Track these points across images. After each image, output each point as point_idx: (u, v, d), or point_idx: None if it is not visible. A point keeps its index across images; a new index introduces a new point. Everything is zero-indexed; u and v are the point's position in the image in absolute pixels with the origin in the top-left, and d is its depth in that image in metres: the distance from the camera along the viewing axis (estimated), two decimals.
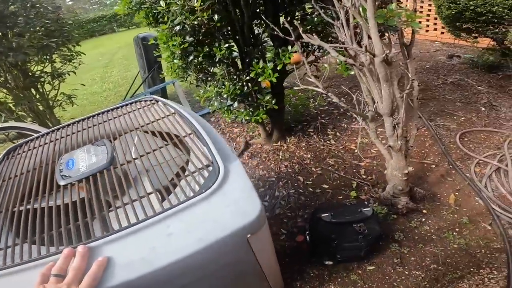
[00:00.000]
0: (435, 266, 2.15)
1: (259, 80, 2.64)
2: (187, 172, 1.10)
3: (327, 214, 2.07)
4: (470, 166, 3.01)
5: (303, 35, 1.96)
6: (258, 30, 3.32)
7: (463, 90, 4.48)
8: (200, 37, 2.49)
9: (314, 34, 1.97)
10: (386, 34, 2.30)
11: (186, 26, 2.31)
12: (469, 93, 4.37)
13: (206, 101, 3.28)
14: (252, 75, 2.62)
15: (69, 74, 4.53)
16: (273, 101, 2.94)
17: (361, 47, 1.83)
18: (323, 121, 4.19)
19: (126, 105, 1.84)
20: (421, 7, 6.37)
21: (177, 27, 2.33)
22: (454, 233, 2.38)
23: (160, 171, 1.15)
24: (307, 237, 2.16)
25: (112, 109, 1.81)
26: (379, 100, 2.01)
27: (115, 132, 1.50)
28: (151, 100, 1.81)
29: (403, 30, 2.16)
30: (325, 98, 4.84)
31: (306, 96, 4.89)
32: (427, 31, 6.54)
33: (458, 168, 3.00)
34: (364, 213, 2.07)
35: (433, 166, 3.12)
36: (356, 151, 3.51)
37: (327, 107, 4.53)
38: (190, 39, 2.46)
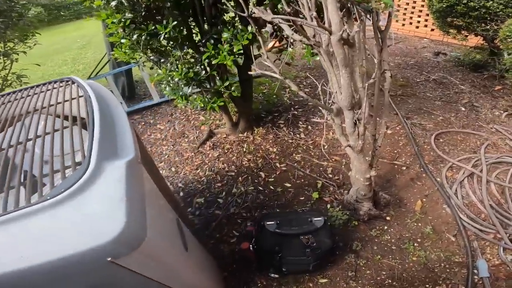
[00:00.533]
0: (390, 281, 1.98)
1: (212, 63, 2.38)
2: (48, 170, 0.85)
3: (272, 223, 1.86)
4: (442, 170, 2.85)
5: (254, 9, 1.70)
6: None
7: (445, 88, 4.32)
8: (142, 13, 2.21)
9: (268, 9, 1.71)
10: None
11: (123, 1, 2.03)
12: (450, 92, 4.21)
13: (157, 85, 2.99)
14: (204, 57, 2.36)
15: (17, 54, 4.21)
16: (233, 88, 2.69)
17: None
18: (296, 112, 3.96)
19: (38, 86, 1.59)
20: (414, 2, 6.16)
21: (113, 2, 2.05)
22: (415, 244, 2.21)
23: (25, 165, 0.90)
24: (251, 245, 1.95)
25: (21, 90, 1.56)
26: (338, 90, 1.78)
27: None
28: (67, 81, 1.57)
29: (378, 11, 1.93)
30: (302, 89, 4.61)
31: (282, 85, 4.65)
32: (417, 27, 6.33)
33: (429, 172, 2.84)
34: (314, 224, 1.86)
35: (404, 168, 2.95)
36: (325, 147, 3.31)
37: (302, 99, 4.31)
38: (130, 15, 2.18)
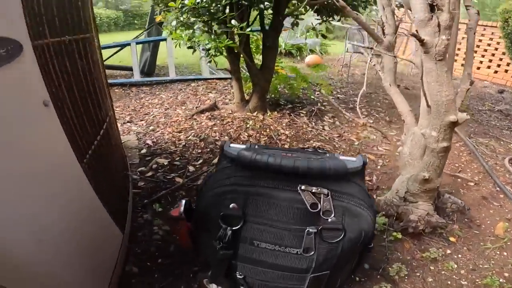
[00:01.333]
0: None
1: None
2: None
3: (240, 146, 0.85)
4: None
5: None
6: None
7: None
8: None
9: None
10: None
11: None
12: None
13: (165, 20, 2.24)
14: None
15: None
16: (248, 29, 1.90)
17: None
18: (322, 108, 3.04)
19: None
20: (480, 40, 5.23)
21: None
22: (501, 280, 1.12)
23: None
24: (185, 208, 0.87)
25: None
26: None
27: None
28: None
29: None
30: (335, 92, 3.71)
31: (313, 88, 3.77)
32: (478, 68, 5.24)
33: (510, 193, 1.75)
34: (342, 163, 0.77)
35: (472, 184, 1.87)
36: (356, 143, 2.31)
37: (333, 99, 3.39)
38: None
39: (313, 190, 0.74)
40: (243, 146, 0.86)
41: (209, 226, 0.79)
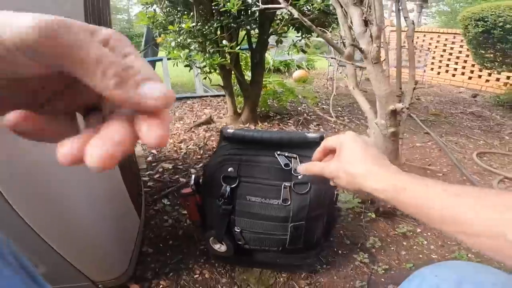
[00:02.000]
0: None
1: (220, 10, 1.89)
2: None
3: (235, 129, 1.06)
4: (492, 181, 1.98)
5: None
6: None
7: (484, 120, 3.52)
8: None
9: None
10: None
11: None
12: (491, 123, 3.41)
13: (165, 41, 2.48)
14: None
15: None
16: (237, 48, 2.17)
17: None
18: (308, 117, 3.28)
19: None
20: (452, 48, 5.57)
21: None
22: (469, 255, 1.32)
23: None
24: (194, 180, 1.07)
25: None
26: None
27: None
28: None
29: None
30: (320, 103, 3.99)
31: (300, 100, 4.04)
32: (453, 75, 5.52)
33: (476, 181, 1.98)
34: (304, 137, 0.99)
35: (440, 174, 2.09)
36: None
37: (318, 112, 3.64)
38: None
39: (286, 154, 0.99)
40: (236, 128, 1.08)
41: (213, 189, 0.99)
